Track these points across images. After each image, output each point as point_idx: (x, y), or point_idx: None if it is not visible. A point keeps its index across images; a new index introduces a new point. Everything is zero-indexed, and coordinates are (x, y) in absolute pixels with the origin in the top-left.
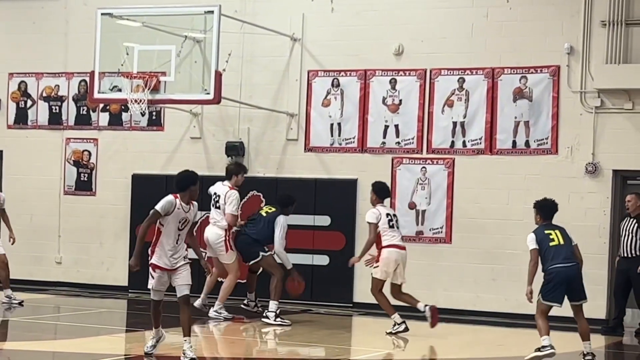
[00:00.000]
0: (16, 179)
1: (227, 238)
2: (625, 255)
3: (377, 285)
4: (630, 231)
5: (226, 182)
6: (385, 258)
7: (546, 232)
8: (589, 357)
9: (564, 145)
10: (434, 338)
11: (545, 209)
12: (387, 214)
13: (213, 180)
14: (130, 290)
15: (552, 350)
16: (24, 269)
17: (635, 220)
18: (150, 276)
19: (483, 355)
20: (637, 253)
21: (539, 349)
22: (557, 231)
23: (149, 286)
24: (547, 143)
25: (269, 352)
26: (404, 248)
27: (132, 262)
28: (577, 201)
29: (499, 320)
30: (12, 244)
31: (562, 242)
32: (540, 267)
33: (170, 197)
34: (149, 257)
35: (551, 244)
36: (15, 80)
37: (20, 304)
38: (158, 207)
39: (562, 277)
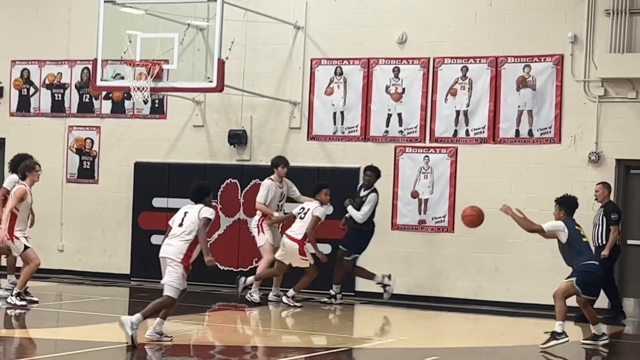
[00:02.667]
0: None
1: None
2: (595, 244)
3: None
4: (598, 220)
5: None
6: None
7: (576, 227)
8: (605, 337)
9: (567, 134)
10: (436, 327)
11: (570, 205)
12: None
13: (216, 168)
14: (132, 279)
15: (567, 339)
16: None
17: (602, 209)
18: (183, 276)
19: (485, 344)
20: (604, 242)
21: (554, 336)
22: (582, 228)
23: (180, 286)
24: (550, 132)
25: (271, 341)
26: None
27: (209, 259)
28: (580, 190)
29: (501, 310)
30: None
31: (588, 239)
32: (564, 258)
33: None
34: (182, 259)
35: (584, 239)
36: (18, 67)
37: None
38: (209, 215)
39: (601, 275)
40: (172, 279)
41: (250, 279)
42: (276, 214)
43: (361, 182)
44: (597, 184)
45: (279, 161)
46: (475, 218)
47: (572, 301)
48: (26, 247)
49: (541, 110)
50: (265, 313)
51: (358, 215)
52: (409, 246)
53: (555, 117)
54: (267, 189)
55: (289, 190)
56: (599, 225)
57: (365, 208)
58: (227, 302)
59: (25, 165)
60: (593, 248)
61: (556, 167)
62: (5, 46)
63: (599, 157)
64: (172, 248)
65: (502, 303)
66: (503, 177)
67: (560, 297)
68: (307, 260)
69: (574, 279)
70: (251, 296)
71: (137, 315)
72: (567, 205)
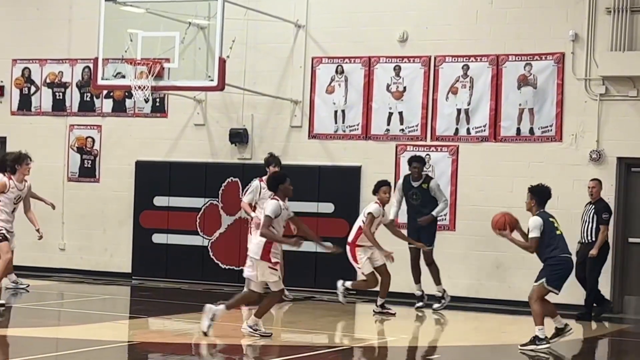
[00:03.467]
0: None
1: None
2: (584, 241)
3: None
4: (588, 217)
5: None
6: None
7: (550, 219)
8: (569, 327)
9: (568, 132)
10: (437, 325)
11: (543, 195)
12: None
13: (217, 167)
14: (133, 277)
15: (548, 345)
16: (27, 256)
17: (593, 207)
18: (272, 273)
19: (486, 342)
20: (593, 239)
21: (534, 341)
22: (556, 220)
23: (272, 279)
24: (551, 130)
25: (272, 340)
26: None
27: (295, 241)
28: (581, 188)
29: (502, 308)
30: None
31: (561, 231)
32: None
33: (274, 201)
34: (262, 256)
35: (557, 232)
36: (19, 66)
37: (27, 289)
38: (269, 212)
39: (570, 267)
40: (249, 274)
41: (349, 283)
42: (253, 214)
43: (364, 181)
44: (591, 180)
45: (271, 160)
46: (503, 221)
47: (574, 299)
48: (3, 239)
49: (542, 109)
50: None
51: (443, 206)
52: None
53: (557, 115)
54: (252, 190)
55: None
56: (588, 222)
57: (442, 196)
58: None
59: (15, 157)
60: (574, 244)
61: (557, 165)
62: (6, 45)
63: (600, 155)
64: (251, 245)
65: (503, 301)
66: (504, 175)
67: (535, 300)
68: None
69: (543, 280)
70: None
71: (222, 307)
72: (540, 195)
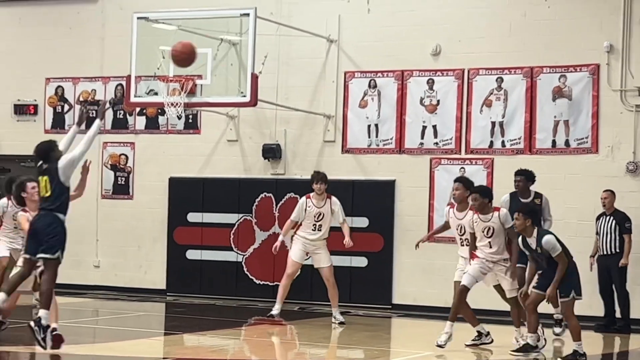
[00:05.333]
0: None
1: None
2: (605, 253)
3: None
4: (608, 229)
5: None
6: None
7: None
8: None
9: (604, 144)
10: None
11: (537, 213)
12: None
13: (250, 183)
14: (168, 294)
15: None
16: (62, 273)
17: (612, 218)
18: None
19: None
20: (617, 250)
21: (575, 356)
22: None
23: None
24: (587, 142)
25: (308, 355)
26: None
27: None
28: (618, 200)
29: (540, 322)
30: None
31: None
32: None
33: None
34: None
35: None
36: (52, 85)
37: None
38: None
39: (579, 282)
40: None
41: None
42: (280, 238)
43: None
44: (604, 191)
45: (312, 177)
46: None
47: (593, 311)
48: None
49: (578, 121)
50: (302, 327)
51: (550, 224)
52: (445, 258)
53: (592, 127)
54: (298, 206)
55: (333, 212)
56: (609, 233)
57: (549, 213)
58: (264, 317)
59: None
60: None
61: (593, 177)
62: (40, 64)
63: (636, 167)
64: None
65: (541, 315)
66: (540, 188)
67: (571, 316)
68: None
69: (573, 293)
70: None
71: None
72: (535, 214)
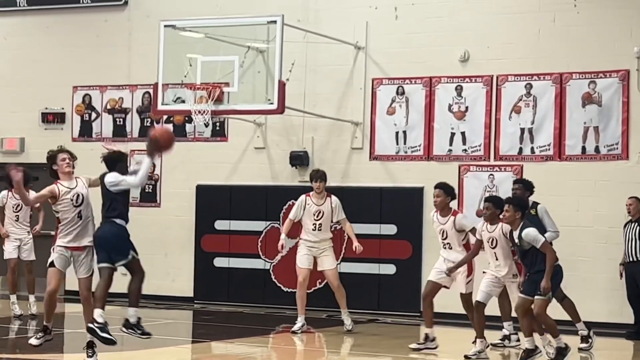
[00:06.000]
0: None
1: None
2: (631, 260)
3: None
4: (633, 235)
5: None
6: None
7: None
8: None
9: (634, 150)
10: (506, 349)
11: (527, 206)
12: None
13: (277, 190)
14: (195, 301)
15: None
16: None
17: (637, 224)
18: None
19: None
20: None
21: (560, 352)
22: None
23: None
24: (617, 148)
25: None
26: None
27: None
28: None
29: (570, 329)
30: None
31: None
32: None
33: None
34: None
35: None
36: (80, 93)
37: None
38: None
39: (562, 273)
40: None
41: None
42: (282, 236)
43: (426, 202)
44: (629, 198)
45: (310, 175)
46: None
47: (624, 319)
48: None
49: (607, 127)
50: (330, 335)
51: (553, 235)
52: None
53: (622, 133)
54: (297, 203)
55: (333, 210)
56: (635, 240)
57: (550, 220)
58: (292, 324)
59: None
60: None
61: (624, 183)
62: (67, 72)
63: None
64: None
65: (571, 322)
66: (569, 194)
67: (545, 315)
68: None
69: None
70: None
71: None
72: (525, 207)
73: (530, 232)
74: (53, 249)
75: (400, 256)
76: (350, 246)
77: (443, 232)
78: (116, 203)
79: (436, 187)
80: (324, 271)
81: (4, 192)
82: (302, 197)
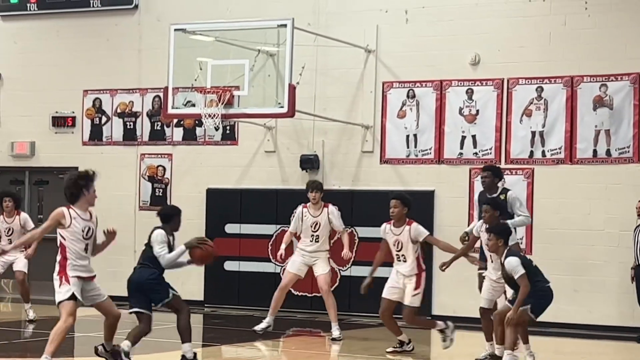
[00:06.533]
0: None
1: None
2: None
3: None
4: None
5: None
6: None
7: (520, 254)
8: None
9: None
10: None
11: (508, 233)
12: None
13: (288, 193)
14: (205, 305)
15: None
16: (101, 285)
17: None
18: None
19: None
20: None
21: None
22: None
23: None
24: (628, 152)
25: None
26: None
27: None
28: None
29: (581, 332)
30: (25, 257)
31: (535, 263)
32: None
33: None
34: None
35: (532, 264)
36: (90, 97)
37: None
38: None
39: (552, 297)
40: None
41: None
42: (282, 246)
43: (437, 206)
44: (639, 201)
45: (306, 185)
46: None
47: (635, 322)
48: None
49: (619, 130)
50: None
51: (524, 218)
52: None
53: (634, 136)
54: (295, 216)
55: (331, 221)
56: None
57: (522, 206)
58: (302, 328)
59: None
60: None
61: (635, 187)
62: (77, 76)
63: None
64: None
65: (582, 326)
66: (581, 198)
67: (514, 327)
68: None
69: (528, 306)
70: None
71: None
72: (507, 234)
73: (511, 262)
74: (65, 282)
75: None
76: (361, 250)
77: (398, 243)
78: (152, 251)
79: (393, 197)
80: (317, 276)
81: None
82: (299, 208)
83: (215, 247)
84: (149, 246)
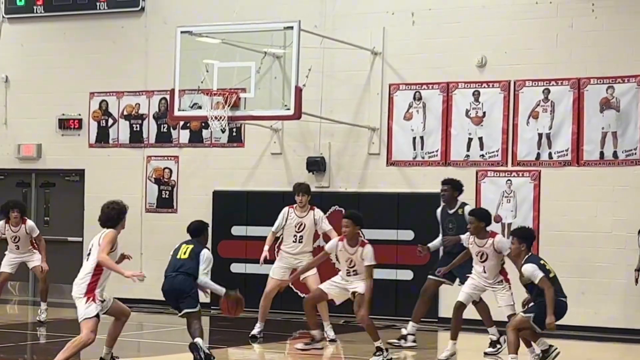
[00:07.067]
0: (98, 197)
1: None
2: None
3: None
4: None
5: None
6: None
7: (541, 262)
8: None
9: None
10: (522, 354)
11: (532, 237)
12: None
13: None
14: (212, 307)
15: None
16: (107, 287)
17: None
18: None
19: None
20: None
21: None
22: (547, 262)
23: None
24: (635, 154)
25: None
26: None
27: None
28: None
29: (588, 335)
30: (41, 271)
31: (555, 274)
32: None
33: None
34: None
35: (550, 274)
36: (97, 99)
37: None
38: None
39: (564, 311)
40: None
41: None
42: (265, 248)
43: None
44: None
45: (293, 188)
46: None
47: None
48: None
49: (626, 132)
50: (348, 341)
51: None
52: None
53: None
54: (280, 215)
55: (316, 223)
56: None
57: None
58: (309, 330)
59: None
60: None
61: None
62: (84, 78)
63: None
64: None
65: (589, 328)
66: (588, 200)
67: (513, 330)
68: None
69: (532, 315)
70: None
71: None
72: (530, 239)
73: (528, 268)
74: (92, 301)
75: (418, 262)
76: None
77: (351, 261)
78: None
79: (345, 217)
80: (305, 278)
81: (1, 223)
82: (285, 209)
83: (237, 311)
84: (191, 257)
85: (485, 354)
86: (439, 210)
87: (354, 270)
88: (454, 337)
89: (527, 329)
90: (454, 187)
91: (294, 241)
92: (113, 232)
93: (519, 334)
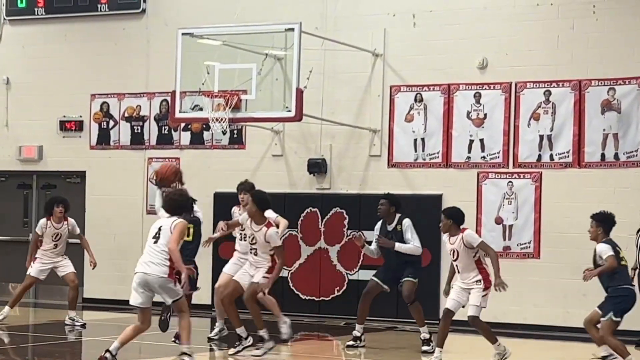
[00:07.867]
0: (99, 199)
1: None
2: None
3: None
4: None
5: None
6: None
7: (617, 248)
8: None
9: None
10: (524, 354)
11: (609, 222)
12: None
13: (295, 197)
14: (213, 309)
15: None
16: (108, 288)
17: None
18: None
19: None
20: None
21: None
22: (621, 250)
23: None
24: (637, 155)
25: None
26: None
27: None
28: None
29: (589, 336)
30: (93, 268)
31: (626, 262)
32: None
33: None
34: None
35: (622, 262)
36: (98, 101)
37: (83, 326)
38: None
39: (634, 299)
40: None
41: None
42: (216, 234)
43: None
44: None
45: (237, 187)
46: None
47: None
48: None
49: (627, 133)
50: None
51: (413, 247)
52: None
53: None
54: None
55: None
56: None
57: (413, 235)
58: (310, 332)
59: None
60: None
61: None
62: (85, 80)
63: None
64: None
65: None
66: (589, 201)
67: (609, 335)
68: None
69: (611, 314)
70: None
71: None
72: (606, 223)
73: (602, 247)
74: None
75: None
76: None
77: (253, 238)
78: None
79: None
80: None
81: (43, 220)
82: (234, 208)
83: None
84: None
85: (424, 351)
86: (377, 226)
87: (254, 249)
88: (440, 345)
89: (616, 328)
90: (390, 202)
91: (240, 239)
92: (184, 222)
93: (596, 330)
